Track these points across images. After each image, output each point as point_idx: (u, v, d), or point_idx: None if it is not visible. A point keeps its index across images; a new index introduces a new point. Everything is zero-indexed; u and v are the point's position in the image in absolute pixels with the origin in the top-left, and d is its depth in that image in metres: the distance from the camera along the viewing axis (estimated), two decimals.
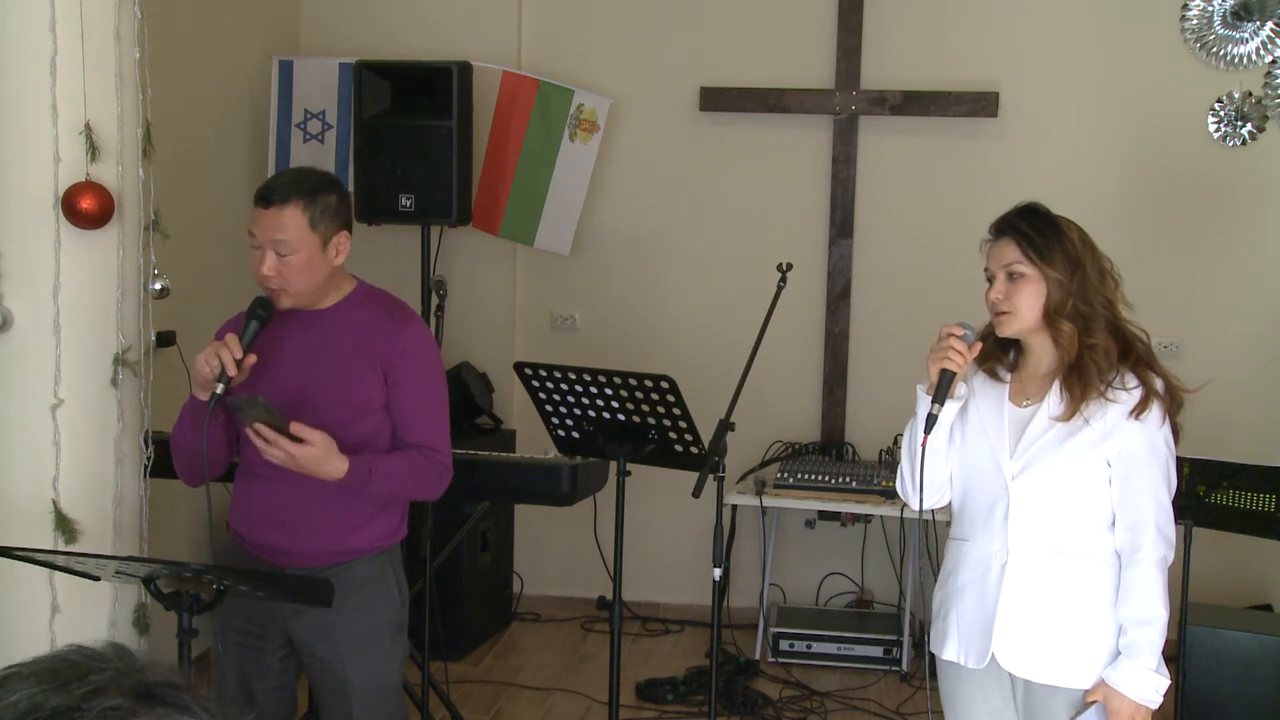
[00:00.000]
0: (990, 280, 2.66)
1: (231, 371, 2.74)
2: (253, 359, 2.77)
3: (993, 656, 2.64)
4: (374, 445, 2.86)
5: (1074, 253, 2.59)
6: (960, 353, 2.60)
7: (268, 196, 2.78)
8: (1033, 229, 2.60)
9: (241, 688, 2.94)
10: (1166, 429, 2.60)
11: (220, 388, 2.74)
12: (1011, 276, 2.61)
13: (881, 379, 5.38)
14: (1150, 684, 2.55)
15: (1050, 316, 2.59)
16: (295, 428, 2.69)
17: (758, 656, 5.13)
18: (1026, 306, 2.60)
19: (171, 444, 2.94)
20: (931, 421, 2.62)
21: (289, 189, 2.79)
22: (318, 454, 2.69)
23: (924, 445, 2.63)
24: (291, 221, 2.76)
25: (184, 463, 2.92)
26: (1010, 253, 2.61)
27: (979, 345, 2.65)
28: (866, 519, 5.34)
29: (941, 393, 2.61)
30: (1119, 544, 2.60)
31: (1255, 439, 4.78)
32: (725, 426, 3.30)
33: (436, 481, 2.92)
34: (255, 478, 2.88)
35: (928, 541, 5.19)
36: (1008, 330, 2.64)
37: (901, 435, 2.79)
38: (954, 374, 2.61)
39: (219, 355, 2.73)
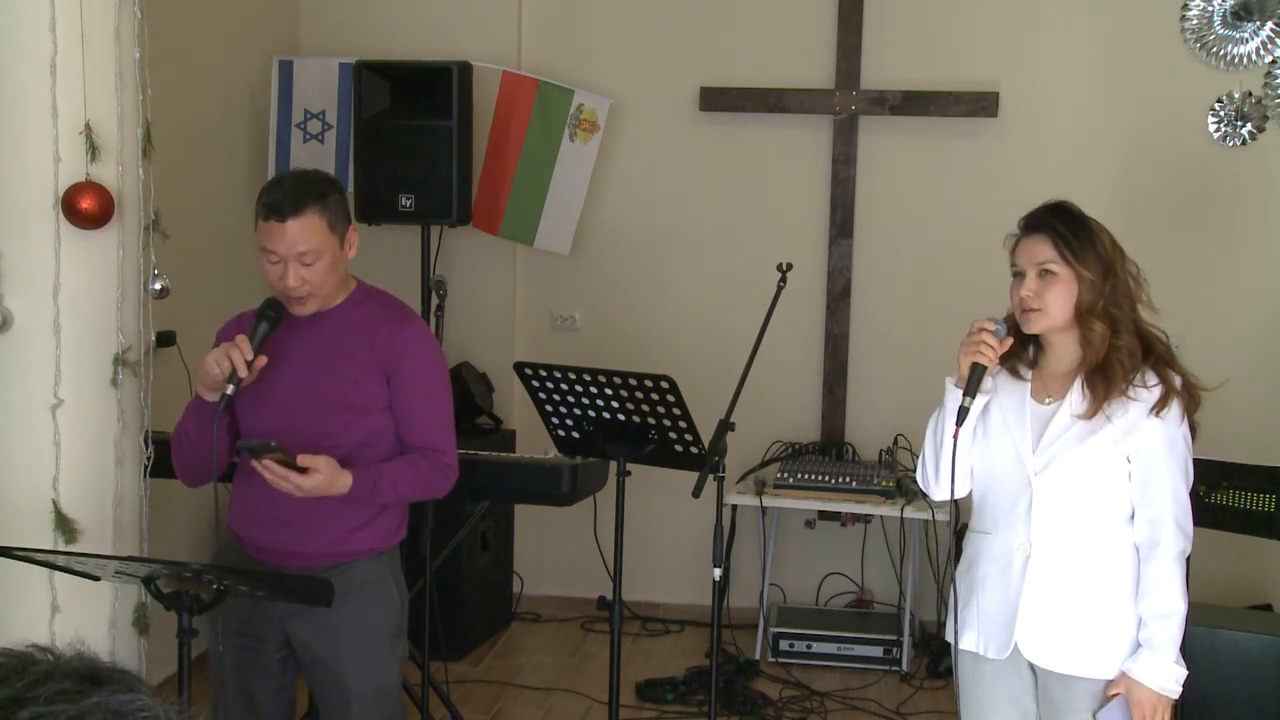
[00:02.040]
0: (1017, 275, 2.66)
1: (242, 373, 2.74)
2: (263, 360, 2.77)
3: (1015, 647, 2.67)
4: (377, 446, 2.87)
5: (1106, 255, 2.61)
6: (991, 347, 2.63)
7: (279, 210, 2.73)
8: (1067, 228, 2.61)
9: (240, 689, 2.94)
10: (1185, 426, 2.63)
11: (230, 389, 2.74)
12: (1043, 274, 2.61)
13: (881, 379, 5.38)
14: (1170, 675, 2.60)
15: (1082, 316, 2.60)
16: (301, 458, 2.69)
17: (758, 656, 5.13)
18: (1057, 305, 2.61)
19: (173, 444, 2.93)
20: (963, 414, 2.64)
21: (301, 198, 2.75)
22: (323, 479, 2.71)
23: (955, 437, 2.65)
24: (313, 230, 2.75)
25: (184, 463, 2.91)
26: (1044, 250, 2.61)
27: (1009, 340, 2.67)
28: (866, 519, 5.33)
29: (973, 386, 2.64)
30: (1138, 538, 2.63)
31: (1255, 439, 4.77)
32: (725, 426, 3.30)
33: (442, 483, 2.93)
34: (255, 479, 2.85)
35: (928, 541, 5.19)
36: (1035, 327, 2.65)
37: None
38: (984, 367, 2.64)
39: (229, 356, 2.73)
